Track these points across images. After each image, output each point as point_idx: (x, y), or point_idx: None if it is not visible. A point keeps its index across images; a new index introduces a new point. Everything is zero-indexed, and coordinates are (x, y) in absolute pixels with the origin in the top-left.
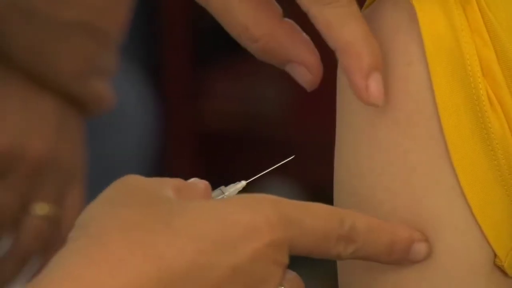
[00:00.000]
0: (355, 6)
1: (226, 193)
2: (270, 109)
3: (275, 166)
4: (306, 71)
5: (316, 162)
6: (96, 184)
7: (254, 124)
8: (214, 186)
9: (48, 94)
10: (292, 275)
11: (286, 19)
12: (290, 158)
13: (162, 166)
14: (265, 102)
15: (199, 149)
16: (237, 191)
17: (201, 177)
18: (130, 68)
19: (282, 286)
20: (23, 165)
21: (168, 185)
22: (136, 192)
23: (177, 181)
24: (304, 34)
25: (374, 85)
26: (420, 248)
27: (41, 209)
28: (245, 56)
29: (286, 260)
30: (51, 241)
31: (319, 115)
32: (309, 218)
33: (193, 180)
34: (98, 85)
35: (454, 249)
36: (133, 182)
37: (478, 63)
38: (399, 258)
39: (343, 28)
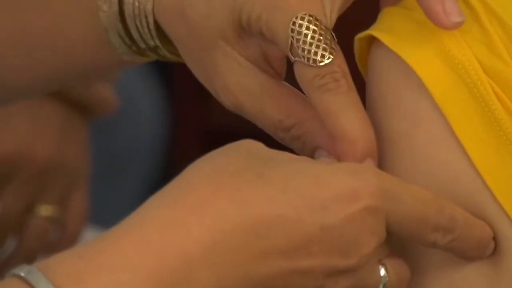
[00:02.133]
0: (353, 93)
1: None
2: None
3: None
4: (328, 154)
5: None
6: (110, 176)
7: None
8: None
9: (53, 99)
10: (398, 259)
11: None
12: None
13: (172, 159)
14: None
15: (206, 144)
16: None
17: None
18: (143, 67)
19: (383, 265)
20: (28, 168)
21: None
22: (240, 149)
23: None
24: None
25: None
26: (492, 244)
27: (45, 210)
28: None
29: (382, 231)
30: (54, 241)
31: None
32: (409, 197)
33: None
34: (102, 90)
35: (506, 248)
36: (245, 143)
37: (490, 86)
38: (481, 254)
39: (341, 115)
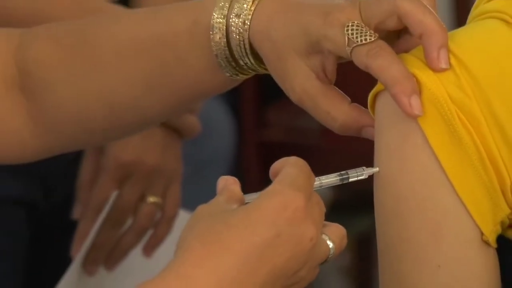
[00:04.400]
0: (393, 54)
1: (324, 181)
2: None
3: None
4: (373, 131)
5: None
6: (196, 176)
7: (303, 137)
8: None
9: (158, 126)
10: (332, 225)
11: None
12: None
13: (239, 163)
14: (308, 128)
15: (263, 152)
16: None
17: (263, 175)
18: (218, 97)
19: (326, 235)
20: (141, 171)
21: (231, 200)
22: (208, 211)
23: (233, 194)
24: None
25: (415, 101)
26: None
27: (152, 199)
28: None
29: (316, 215)
30: (158, 221)
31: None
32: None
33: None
34: (189, 118)
35: (456, 231)
36: (205, 207)
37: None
38: None
39: (390, 68)
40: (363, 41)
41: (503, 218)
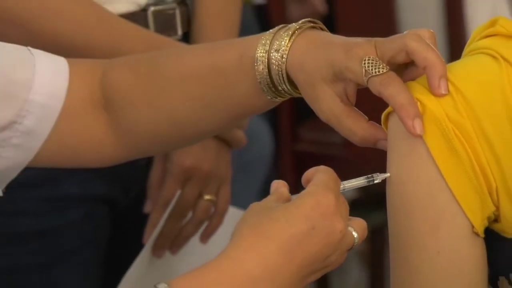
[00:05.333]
0: (401, 84)
1: (347, 185)
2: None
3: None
4: (386, 144)
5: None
6: (242, 178)
7: (329, 149)
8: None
9: (212, 137)
10: (356, 219)
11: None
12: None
13: (276, 167)
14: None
15: (296, 160)
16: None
17: (296, 180)
18: (260, 115)
19: (351, 227)
20: (199, 174)
21: (279, 200)
22: (259, 208)
23: (282, 195)
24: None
25: (417, 124)
26: None
27: (208, 197)
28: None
29: (343, 210)
30: (212, 214)
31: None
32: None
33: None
34: (238, 133)
35: (452, 224)
36: (257, 205)
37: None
38: None
39: (398, 96)
40: (377, 73)
41: (490, 214)
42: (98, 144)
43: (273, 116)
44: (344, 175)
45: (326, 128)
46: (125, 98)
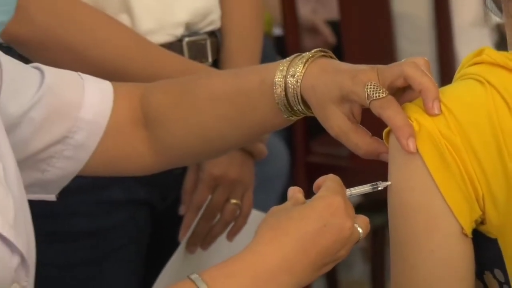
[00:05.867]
0: (398, 107)
1: (354, 191)
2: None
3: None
4: (387, 156)
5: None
6: (264, 186)
7: (337, 160)
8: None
9: (238, 150)
10: (361, 216)
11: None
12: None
13: (291, 179)
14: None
15: (309, 171)
16: (358, 189)
17: (309, 187)
18: (278, 131)
19: (357, 224)
20: (226, 182)
21: (296, 204)
22: (278, 210)
23: (298, 200)
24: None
25: (411, 143)
26: None
27: (234, 201)
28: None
29: (350, 209)
30: (237, 216)
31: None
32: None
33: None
34: (260, 145)
35: (444, 226)
36: (277, 208)
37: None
38: None
39: (395, 117)
40: (377, 97)
41: (477, 218)
42: (138, 156)
43: (288, 132)
44: (350, 183)
45: (334, 142)
46: (162, 117)
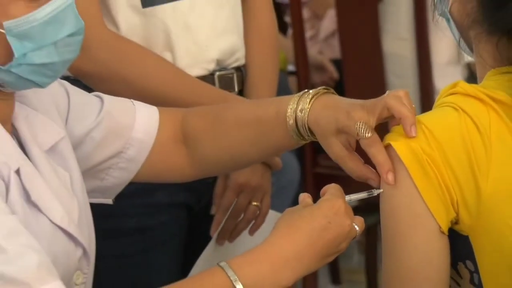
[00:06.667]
0: (381, 145)
1: (353, 197)
2: None
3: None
4: (374, 182)
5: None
6: (279, 193)
7: (339, 172)
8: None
9: (259, 164)
10: (358, 217)
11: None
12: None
13: (301, 187)
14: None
15: (316, 181)
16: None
17: (316, 193)
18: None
19: (354, 222)
20: (249, 188)
21: (303, 206)
22: (291, 211)
23: (307, 203)
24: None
25: (390, 176)
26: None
27: (255, 203)
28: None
29: (349, 209)
30: (257, 215)
31: None
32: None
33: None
34: (276, 159)
35: (425, 225)
36: (290, 209)
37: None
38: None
39: (378, 155)
40: (365, 136)
41: (452, 218)
42: (178, 168)
43: (299, 149)
44: (350, 190)
45: None
46: (198, 137)
